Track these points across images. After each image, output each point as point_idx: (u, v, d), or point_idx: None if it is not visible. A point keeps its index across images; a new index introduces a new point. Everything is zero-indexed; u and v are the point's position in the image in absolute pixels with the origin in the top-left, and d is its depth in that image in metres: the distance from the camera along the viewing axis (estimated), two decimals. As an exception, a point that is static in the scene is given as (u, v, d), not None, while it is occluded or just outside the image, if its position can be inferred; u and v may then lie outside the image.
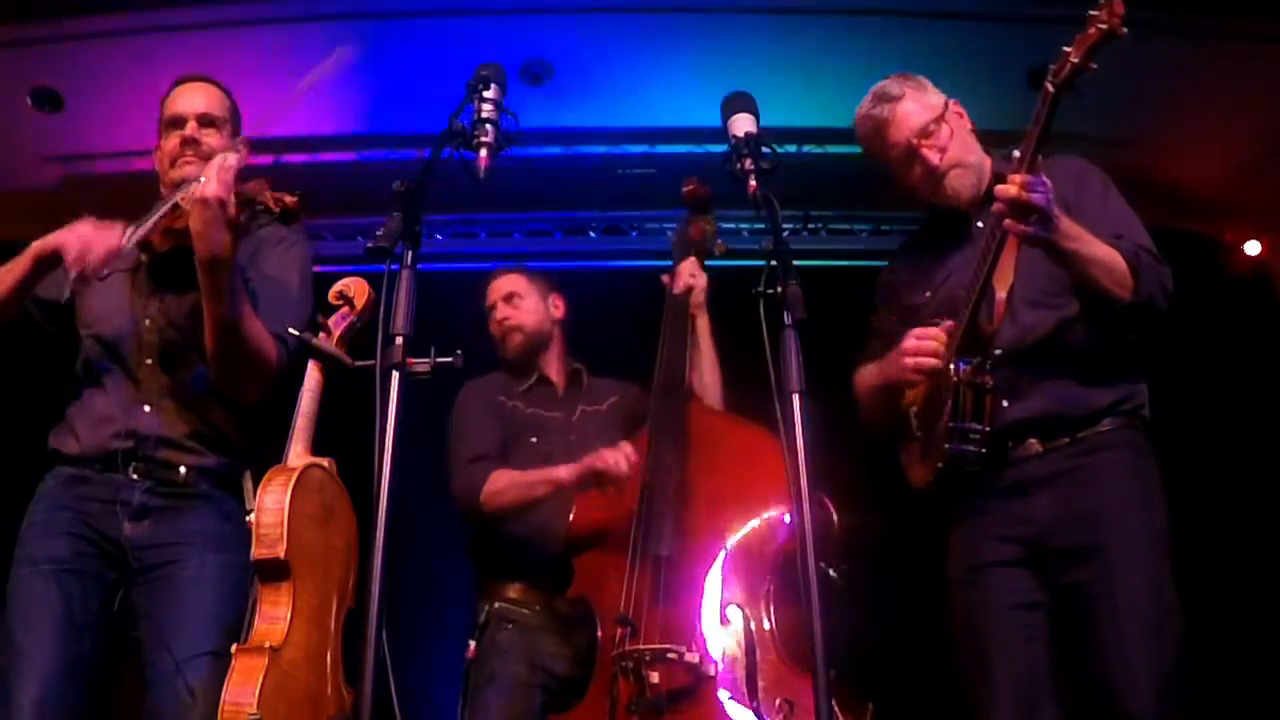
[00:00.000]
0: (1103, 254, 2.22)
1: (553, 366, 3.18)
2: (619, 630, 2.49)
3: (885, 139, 2.49)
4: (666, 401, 2.81)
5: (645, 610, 2.50)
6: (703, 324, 2.97)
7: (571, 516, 2.79)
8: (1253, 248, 5.07)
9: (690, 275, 2.97)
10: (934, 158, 2.44)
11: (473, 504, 2.87)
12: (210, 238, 2.19)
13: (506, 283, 3.25)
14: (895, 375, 2.42)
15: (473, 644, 2.84)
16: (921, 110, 2.46)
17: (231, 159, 2.16)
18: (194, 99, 2.54)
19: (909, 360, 2.35)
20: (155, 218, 2.34)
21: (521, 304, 3.21)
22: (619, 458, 2.69)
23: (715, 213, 3.14)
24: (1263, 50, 4.09)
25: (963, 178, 2.46)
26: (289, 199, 2.24)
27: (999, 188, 2.14)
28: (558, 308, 3.27)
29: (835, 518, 2.61)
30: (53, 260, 2.28)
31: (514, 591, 2.90)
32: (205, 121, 2.51)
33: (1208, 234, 5.02)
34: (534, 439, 3.01)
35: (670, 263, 3.07)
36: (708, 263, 3.05)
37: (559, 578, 2.79)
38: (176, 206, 2.35)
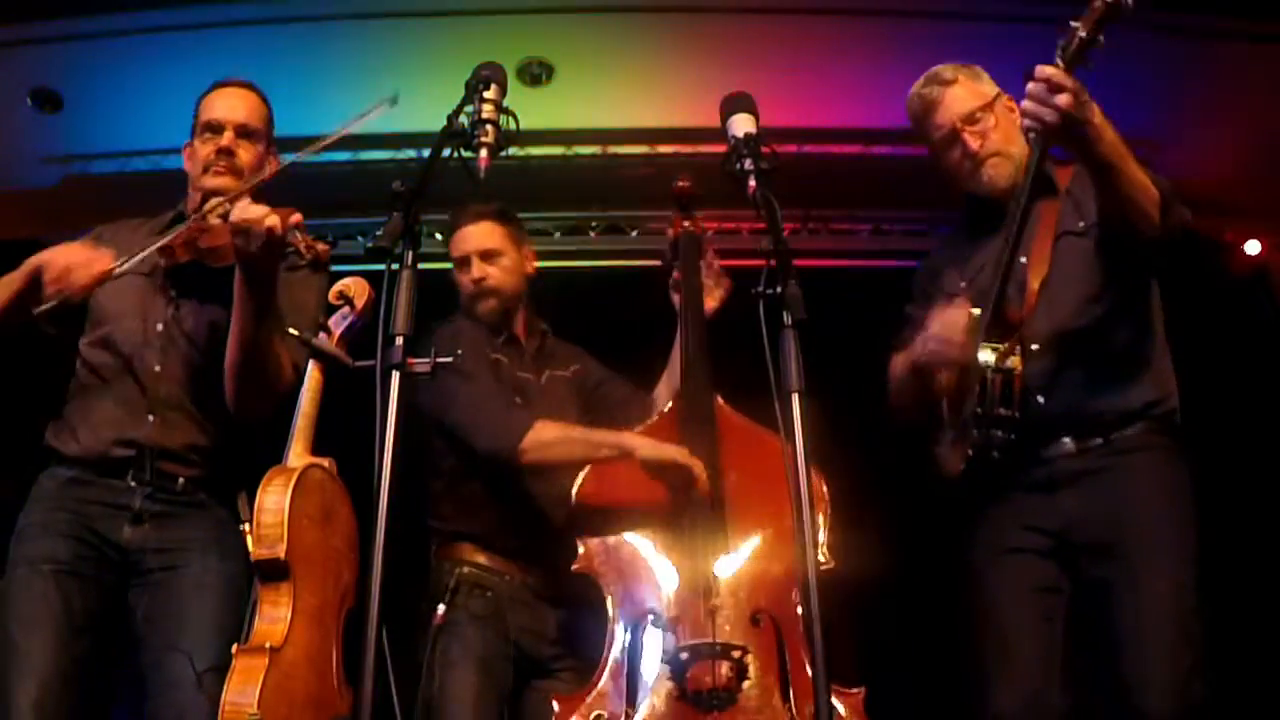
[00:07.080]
0: (1139, 175, 2.21)
1: (521, 326, 2.96)
2: (677, 622, 2.42)
3: (931, 119, 2.51)
4: (694, 392, 2.70)
5: (693, 606, 2.44)
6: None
7: (579, 487, 2.62)
8: (1253, 248, 5.07)
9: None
10: (974, 143, 2.46)
11: (508, 449, 2.63)
12: (267, 278, 2.23)
13: (483, 234, 2.91)
14: (920, 356, 2.42)
15: (441, 607, 2.66)
16: (970, 96, 2.49)
17: (272, 220, 2.14)
18: (235, 107, 2.50)
19: (933, 343, 2.36)
20: (162, 243, 2.33)
21: (500, 262, 2.90)
22: (702, 471, 2.51)
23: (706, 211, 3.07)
24: (1263, 50, 4.09)
25: (1001, 167, 2.46)
26: (321, 247, 2.27)
27: (1038, 67, 2.07)
28: (530, 261, 2.98)
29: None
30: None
31: (483, 557, 2.74)
32: (243, 133, 2.48)
33: (1208, 234, 5.02)
34: (518, 399, 2.83)
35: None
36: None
37: (536, 550, 2.73)
38: (203, 219, 2.35)
